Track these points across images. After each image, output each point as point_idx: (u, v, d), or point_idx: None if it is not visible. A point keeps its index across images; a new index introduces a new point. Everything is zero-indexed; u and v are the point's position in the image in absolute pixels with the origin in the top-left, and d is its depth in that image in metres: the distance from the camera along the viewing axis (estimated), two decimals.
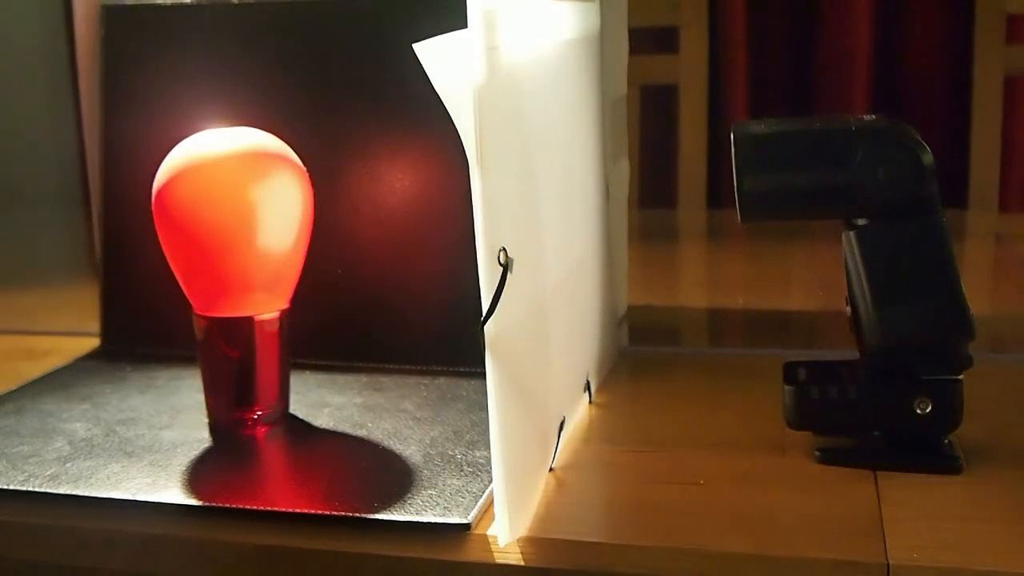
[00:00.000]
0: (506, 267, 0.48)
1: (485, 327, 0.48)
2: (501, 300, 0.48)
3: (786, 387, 0.58)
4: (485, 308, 0.48)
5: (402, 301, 0.76)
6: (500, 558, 0.50)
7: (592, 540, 0.50)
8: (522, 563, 0.50)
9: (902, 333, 0.55)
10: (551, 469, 0.58)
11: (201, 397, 0.67)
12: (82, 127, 0.87)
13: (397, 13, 0.75)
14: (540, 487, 0.55)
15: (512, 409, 0.50)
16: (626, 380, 0.73)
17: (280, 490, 0.58)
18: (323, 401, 0.70)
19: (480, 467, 0.58)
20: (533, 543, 0.50)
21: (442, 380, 0.73)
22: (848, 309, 0.59)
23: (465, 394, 0.70)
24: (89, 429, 0.66)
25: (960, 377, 0.56)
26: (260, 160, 0.63)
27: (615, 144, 0.75)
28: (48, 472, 0.59)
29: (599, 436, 0.63)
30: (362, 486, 0.56)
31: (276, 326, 0.65)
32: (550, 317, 0.57)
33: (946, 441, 0.57)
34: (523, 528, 0.51)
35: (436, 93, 0.48)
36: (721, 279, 1.13)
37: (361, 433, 0.64)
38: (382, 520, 0.52)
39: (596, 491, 0.57)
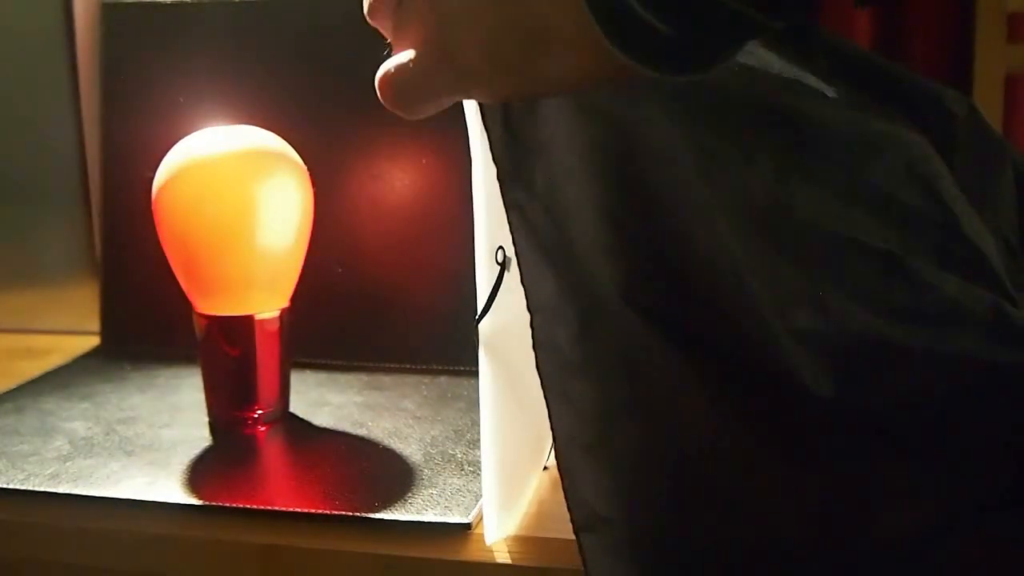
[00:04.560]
0: (503, 266, 0.48)
1: (479, 325, 0.48)
2: (497, 298, 0.48)
3: None
4: (480, 306, 0.48)
5: (402, 300, 0.76)
6: (500, 557, 0.50)
7: None
8: (523, 563, 0.49)
9: None
10: (545, 468, 0.58)
11: (201, 396, 0.67)
12: (82, 125, 0.87)
13: None
14: (533, 485, 0.55)
15: (505, 407, 0.50)
16: None
17: (280, 489, 0.58)
18: (323, 400, 0.70)
19: (480, 466, 0.58)
20: (532, 542, 0.50)
21: (442, 379, 0.73)
22: None
23: (465, 393, 0.70)
24: (89, 428, 0.66)
25: None
26: (260, 159, 0.63)
27: None
28: (48, 471, 0.59)
29: None
30: (362, 485, 0.56)
31: (276, 325, 0.65)
32: None
33: None
34: (512, 526, 0.51)
35: None
36: None
37: (361, 432, 0.64)
38: (383, 519, 0.52)
39: None
